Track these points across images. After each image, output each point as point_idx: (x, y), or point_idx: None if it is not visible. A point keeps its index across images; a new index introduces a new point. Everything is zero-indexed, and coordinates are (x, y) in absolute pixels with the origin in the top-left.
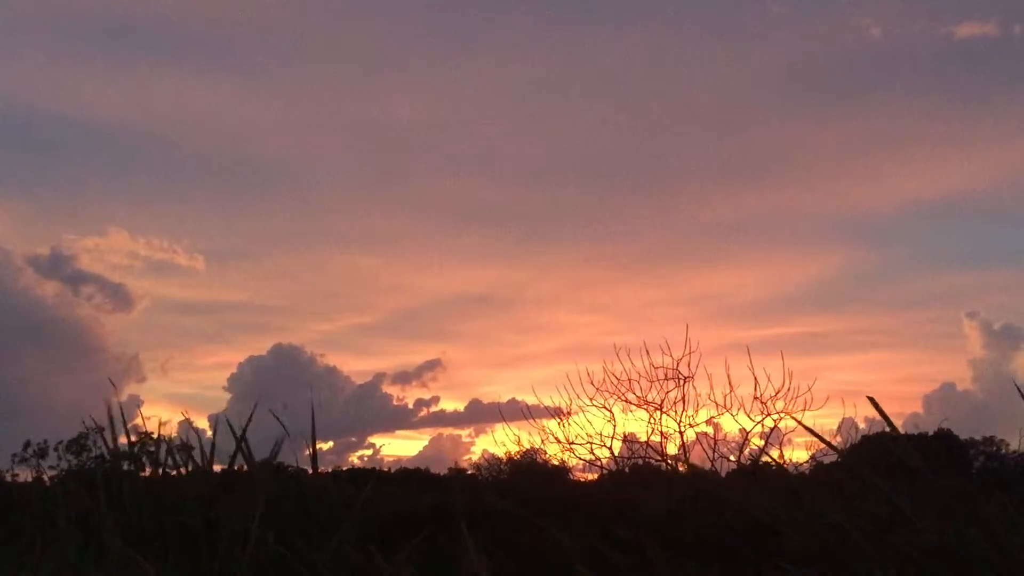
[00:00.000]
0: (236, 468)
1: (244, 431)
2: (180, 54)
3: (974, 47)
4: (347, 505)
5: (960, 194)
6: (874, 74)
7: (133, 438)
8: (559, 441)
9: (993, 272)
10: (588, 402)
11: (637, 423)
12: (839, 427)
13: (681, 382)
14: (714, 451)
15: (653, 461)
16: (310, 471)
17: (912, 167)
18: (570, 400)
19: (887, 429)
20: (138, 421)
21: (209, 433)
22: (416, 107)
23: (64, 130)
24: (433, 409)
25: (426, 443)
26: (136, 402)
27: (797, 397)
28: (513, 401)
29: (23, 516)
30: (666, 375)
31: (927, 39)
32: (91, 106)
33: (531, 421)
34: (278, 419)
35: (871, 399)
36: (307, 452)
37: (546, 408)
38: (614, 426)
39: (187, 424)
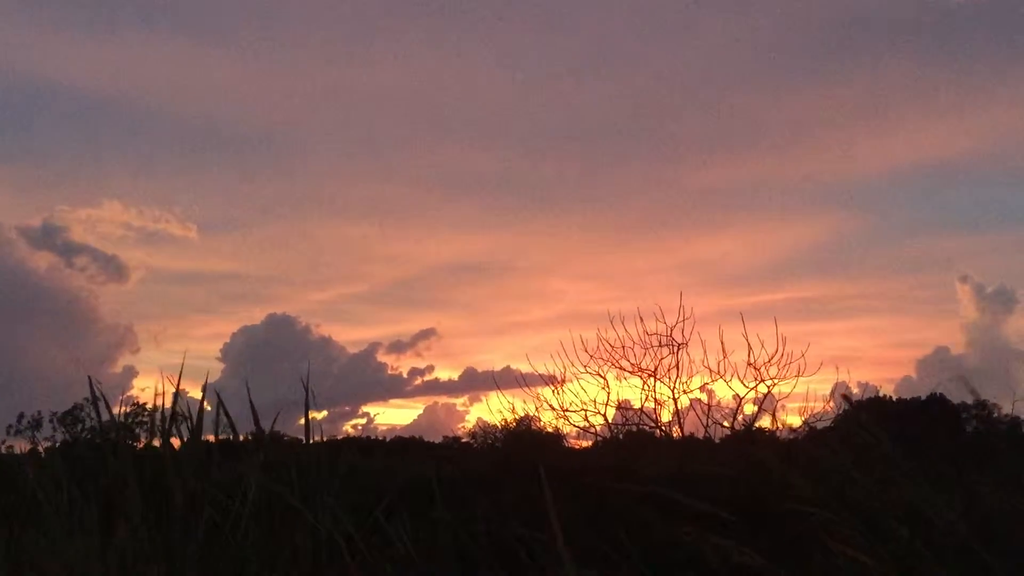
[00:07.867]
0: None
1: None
2: (172, 24)
3: (968, 11)
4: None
5: (950, 158)
6: (867, 38)
7: (127, 408)
8: (553, 408)
9: (985, 235)
10: (582, 369)
11: (631, 390)
12: (832, 392)
13: (675, 349)
14: (708, 417)
15: (647, 428)
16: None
17: (901, 131)
18: (564, 368)
19: (880, 394)
20: (133, 392)
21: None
22: (408, 74)
23: (56, 100)
24: (427, 378)
25: (420, 412)
26: (131, 372)
27: (791, 363)
28: (507, 369)
29: (20, 488)
30: (660, 342)
31: (920, 2)
32: (82, 76)
33: (525, 389)
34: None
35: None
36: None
37: (540, 376)
38: (608, 393)
39: (178, 395)
